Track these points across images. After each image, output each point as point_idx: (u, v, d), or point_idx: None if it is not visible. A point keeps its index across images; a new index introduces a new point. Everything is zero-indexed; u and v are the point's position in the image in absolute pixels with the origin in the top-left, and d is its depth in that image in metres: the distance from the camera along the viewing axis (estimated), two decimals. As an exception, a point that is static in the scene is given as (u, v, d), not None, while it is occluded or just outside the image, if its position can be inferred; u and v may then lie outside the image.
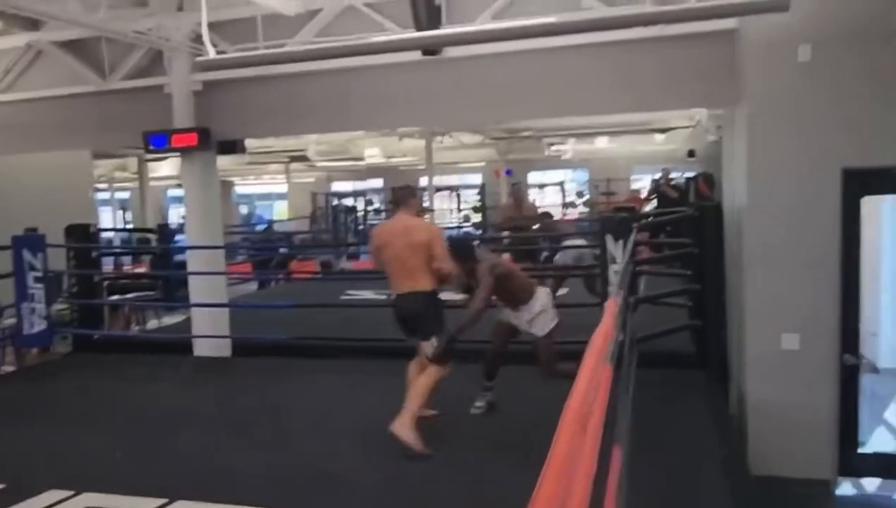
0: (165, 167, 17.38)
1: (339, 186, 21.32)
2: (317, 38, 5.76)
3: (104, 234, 11.67)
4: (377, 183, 20.96)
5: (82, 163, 10.66)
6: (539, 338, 4.06)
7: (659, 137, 14.29)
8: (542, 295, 4.18)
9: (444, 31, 5.06)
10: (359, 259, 14.03)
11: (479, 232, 15.93)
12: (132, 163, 16.42)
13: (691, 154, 14.56)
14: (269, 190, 24.67)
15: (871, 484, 4.52)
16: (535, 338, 4.08)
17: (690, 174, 14.15)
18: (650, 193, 12.88)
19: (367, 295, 8.62)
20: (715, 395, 4.82)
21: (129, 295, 8.85)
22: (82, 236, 7.11)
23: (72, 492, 3.48)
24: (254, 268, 11.47)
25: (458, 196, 19.71)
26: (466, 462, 3.73)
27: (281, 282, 11.67)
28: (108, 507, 3.32)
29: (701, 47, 5.01)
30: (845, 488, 4.46)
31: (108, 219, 19.02)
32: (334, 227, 16.59)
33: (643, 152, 16.69)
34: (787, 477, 4.27)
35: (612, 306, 2.32)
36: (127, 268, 11.54)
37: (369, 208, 19.19)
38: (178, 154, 6.71)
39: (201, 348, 6.46)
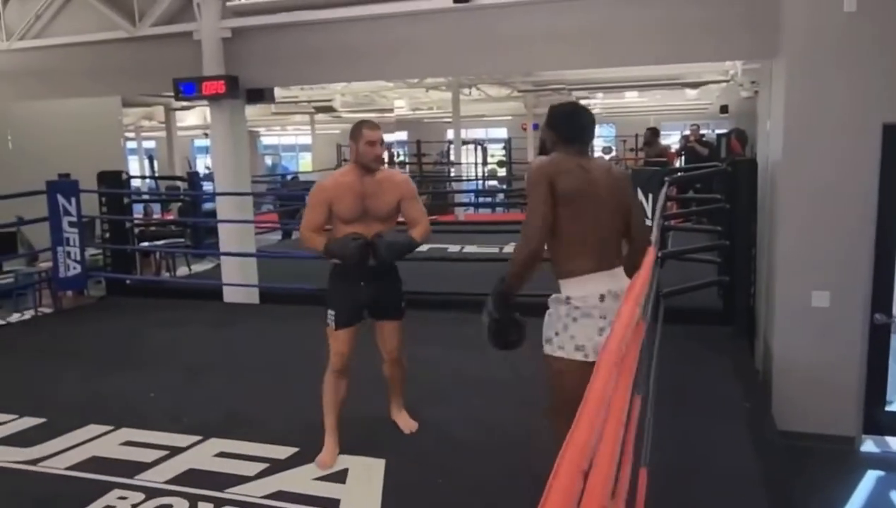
0: (192, 117, 17.45)
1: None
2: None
3: (134, 182, 11.82)
4: (402, 135, 20.84)
5: (112, 111, 10.74)
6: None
7: (690, 92, 13.97)
8: None
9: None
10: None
11: (504, 186, 15.85)
12: (159, 112, 16.50)
13: (724, 110, 14.26)
14: (293, 141, 24.69)
15: (895, 443, 4.52)
16: None
17: (722, 130, 13.88)
18: (679, 150, 12.69)
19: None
20: (741, 351, 4.82)
21: (159, 242, 9.00)
22: (114, 183, 7.22)
23: (111, 427, 3.62)
24: (280, 219, 11.56)
25: (485, 150, 19.55)
26: (489, 409, 3.79)
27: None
28: (147, 441, 3.45)
29: (742, -4, 4.86)
30: (869, 445, 4.47)
31: (135, 167, 19.23)
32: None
33: (673, 107, 16.37)
34: (811, 433, 4.29)
35: (651, 253, 2.30)
36: (157, 217, 11.68)
37: (395, 161, 19.13)
38: (206, 102, 6.72)
39: (230, 294, 6.58)
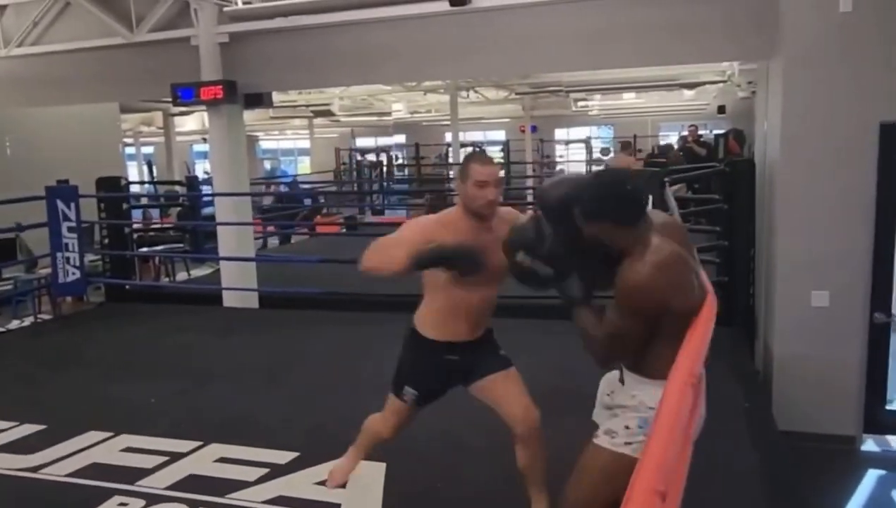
0: (190, 122, 17.46)
1: (362, 142, 21.26)
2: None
3: (133, 188, 11.83)
4: (400, 138, 20.86)
5: (110, 117, 10.75)
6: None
7: (688, 93, 14.00)
8: None
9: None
10: (383, 214, 14.07)
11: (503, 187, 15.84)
12: (158, 117, 16.51)
13: (721, 110, 14.28)
14: (292, 145, 24.71)
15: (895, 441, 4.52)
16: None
17: (720, 131, 13.90)
18: (678, 151, 12.72)
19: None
20: (741, 351, 4.82)
21: (158, 248, 9.00)
22: (113, 188, 7.22)
23: (111, 433, 3.62)
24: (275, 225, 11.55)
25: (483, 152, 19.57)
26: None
27: (305, 237, 11.77)
28: (147, 447, 3.45)
29: (738, -3, 4.87)
30: (870, 444, 4.47)
31: (134, 173, 19.23)
32: (358, 183, 16.60)
33: (671, 108, 16.39)
34: (811, 433, 4.28)
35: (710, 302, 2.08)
36: (156, 222, 11.69)
37: (393, 164, 19.14)
38: (204, 107, 6.73)
39: (230, 299, 6.58)
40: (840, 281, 4.37)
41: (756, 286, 5.23)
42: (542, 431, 2.51)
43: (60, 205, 6.44)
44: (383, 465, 3.14)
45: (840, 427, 4.39)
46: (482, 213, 2.39)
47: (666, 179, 5.00)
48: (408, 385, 2.59)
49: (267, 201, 13.17)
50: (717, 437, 3.44)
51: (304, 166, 23.22)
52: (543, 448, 2.53)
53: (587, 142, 18.97)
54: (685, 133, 12.66)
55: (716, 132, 14.16)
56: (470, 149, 18.60)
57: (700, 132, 12.74)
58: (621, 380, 2.08)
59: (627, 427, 2.01)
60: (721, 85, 12.42)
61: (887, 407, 4.47)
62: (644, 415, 1.96)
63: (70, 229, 6.48)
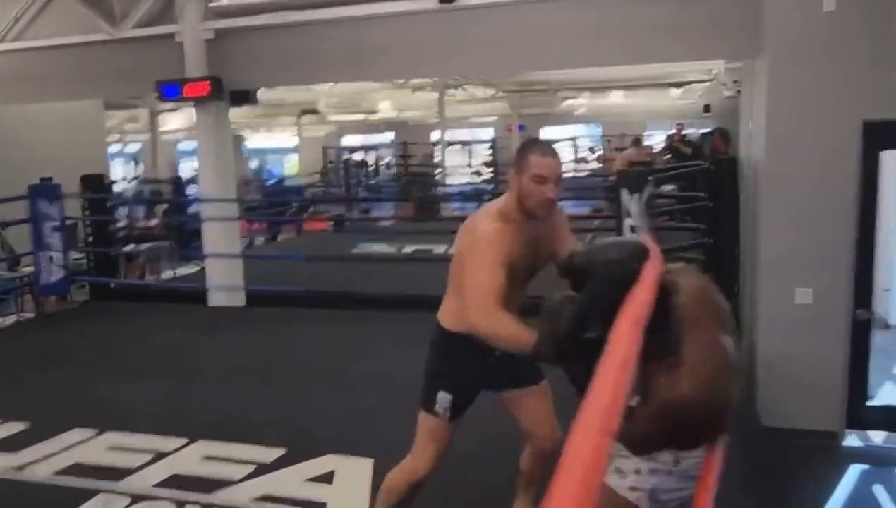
0: (176, 120, 17.32)
1: (349, 140, 21.20)
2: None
3: (117, 187, 11.73)
4: (389, 137, 20.83)
5: (95, 115, 10.63)
6: None
7: (674, 92, 14.09)
8: None
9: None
10: (368, 213, 14.05)
11: (491, 187, 15.89)
12: (143, 115, 16.36)
13: (707, 109, 14.37)
14: (279, 144, 24.59)
15: (877, 437, 4.57)
16: None
17: (706, 130, 14.00)
18: (664, 149, 12.81)
19: (381, 247, 8.68)
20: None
21: (143, 246, 8.93)
22: (97, 186, 7.16)
23: (96, 431, 3.59)
24: (267, 225, 11.49)
25: (470, 151, 19.59)
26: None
27: (292, 235, 11.73)
28: (133, 445, 3.43)
29: (723, -4, 4.91)
30: (852, 440, 4.51)
31: (119, 171, 19.06)
32: (346, 182, 16.56)
33: (658, 107, 16.47)
34: (795, 429, 4.32)
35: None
36: (143, 223, 11.61)
37: (381, 162, 19.12)
38: (190, 104, 6.69)
39: (216, 298, 6.54)
40: (823, 278, 4.40)
41: (741, 283, 5.27)
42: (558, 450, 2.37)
43: (43, 204, 6.38)
44: (370, 461, 3.14)
45: (823, 422, 4.43)
46: (536, 214, 2.10)
47: (650, 178, 5.02)
48: (442, 390, 2.27)
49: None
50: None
51: (291, 165, 23.11)
52: (550, 468, 2.38)
53: (573, 140, 19.05)
54: (672, 132, 12.74)
55: (702, 131, 14.26)
56: (458, 147, 18.64)
57: (686, 131, 12.82)
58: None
59: (637, 472, 1.85)
60: (707, 84, 12.51)
61: (869, 403, 4.52)
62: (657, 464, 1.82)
63: (53, 228, 6.42)
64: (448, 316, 2.29)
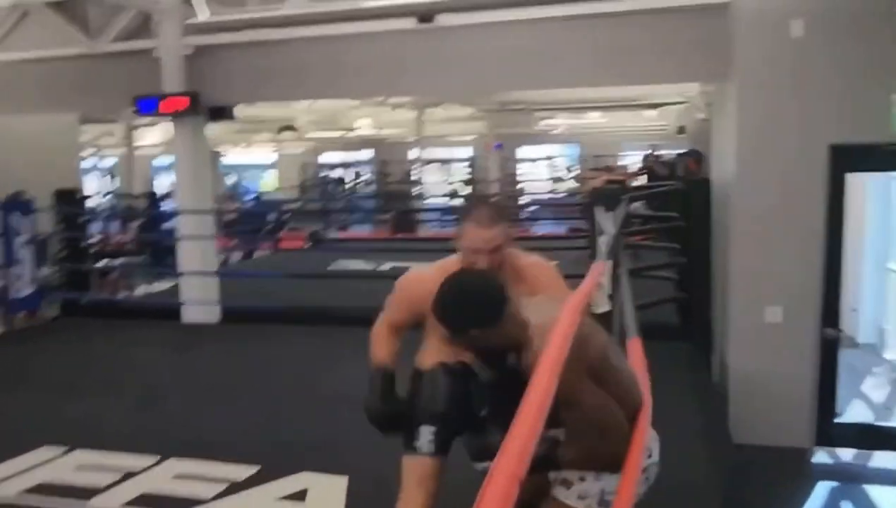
0: (152, 135, 17.19)
1: (328, 157, 21.20)
2: (310, 1, 5.73)
3: (91, 201, 11.59)
4: (367, 154, 20.87)
5: (69, 128, 10.51)
6: None
7: (650, 113, 14.30)
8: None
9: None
10: (346, 229, 14.02)
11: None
12: (119, 129, 16.23)
13: (681, 131, 14.60)
14: (256, 160, 24.48)
15: (846, 454, 4.65)
16: None
17: (680, 151, 14.22)
18: (640, 170, 13.00)
19: (358, 265, 8.66)
20: (698, 366, 4.92)
21: (115, 261, 8.83)
22: (70, 201, 7.07)
23: (64, 449, 3.53)
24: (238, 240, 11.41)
25: (449, 169, 19.70)
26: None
27: (268, 253, 11.66)
28: (102, 464, 3.37)
29: (693, 21, 5.02)
30: (821, 456, 4.59)
31: (93, 185, 18.84)
32: (323, 198, 16.53)
33: (634, 128, 16.71)
34: (766, 446, 4.38)
35: (598, 268, 2.31)
36: (117, 238, 11.48)
37: (358, 180, 19.15)
38: (167, 119, 6.66)
39: (190, 314, 6.48)
40: (792, 297, 4.50)
41: (713, 301, 5.35)
42: None
43: (14, 218, 6.29)
44: (345, 478, 3.12)
45: (792, 439, 4.50)
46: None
47: (622, 198, 5.10)
48: (423, 423, 2.11)
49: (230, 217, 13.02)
50: (673, 450, 3.50)
51: (266, 182, 22.98)
52: None
53: (549, 159, 19.24)
54: (649, 151, 12.96)
55: (676, 152, 14.49)
56: (436, 165, 18.70)
57: (659, 152, 13.04)
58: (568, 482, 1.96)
59: (583, 480, 1.94)
60: (681, 106, 12.73)
61: (837, 420, 4.61)
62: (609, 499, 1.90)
63: (24, 243, 6.33)
64: (421, 358, 2.31)
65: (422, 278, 2.18)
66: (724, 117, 5.25)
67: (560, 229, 11.62)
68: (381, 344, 2.28)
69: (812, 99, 4.39)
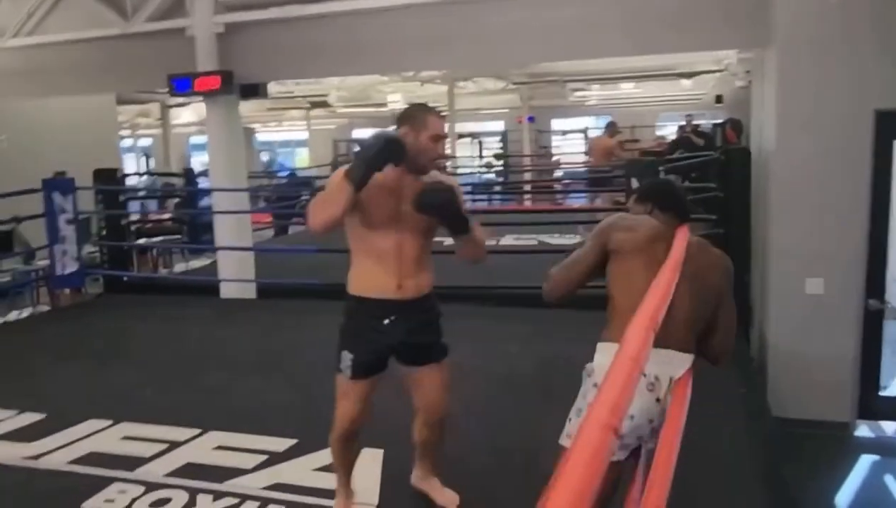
0: (187, 114, 17.40)
1: (359, 133, 21.21)
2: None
3: (129, 180, 11.80)
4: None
5: (107, 109, 10.72)
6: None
7: (685, 83, 13.97)
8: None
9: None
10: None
11: (501, 179, 15.86)
12: (154, 109, 16.46)
13: (719, 100, 14.25)
14: (289, 137, 24.64)
15: (889, 427, 4.56)
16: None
17: (718, 121, 13.90)
18: (675, 140, 12.71)
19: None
20: (736, 339, 4.83)
21: (155, 239, 9.00)
22: (110, 180, 7.21)
23: (110, 421, 3.64)
24: (273, 219, 11.53)
25: (480, 143, 19.54)
26: (485, 399, 3.82)
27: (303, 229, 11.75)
28: (146, 435, 3.47)
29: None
30: (863, 430, 4.51)
31: (131, 165, 19.19)
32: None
33: (669, 98, 16.35)
34: (806, 419, 4.32)
35: (684, 232, 2.22)
36: (155, 217, 11.70)
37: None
38: (200, 98, 6.73)
39: (227, 290, 6.59)
40: (834, 268, 4.39)
41: (752, 273, 5.25)
42: (446, 419, 2.59)
43: (58, 197, 6.44)
44: (381, 451, 3.16)
45: (834, 413, 4.43)
46: (427, 168, 2.37)
47: (660, 168, 5.01)
48: (345, 349, 2.46)
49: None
50: (711, 423, 3.47)
51: (301, 158, 23.16)
52: (442, 434, 2.64)
53: (584, 131, 18.91)
54: (683, 123, 12.63)
55: (714, 122, 14.16)
56: (468, 140, 18.58)
57: (697, 122, 12.72)
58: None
59: (569, 420, 2.07)
60: (718, 74, 12.40)
61: (880, 394, 4.51)
62: (582, 396, 2.04)
63: (67, 221, 6.49)
64: (348, 278, 2.50)
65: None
66: (764, 84, 5.10)
67: (596, 201, 11.45)
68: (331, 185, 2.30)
69: (856, 63, 4.24)
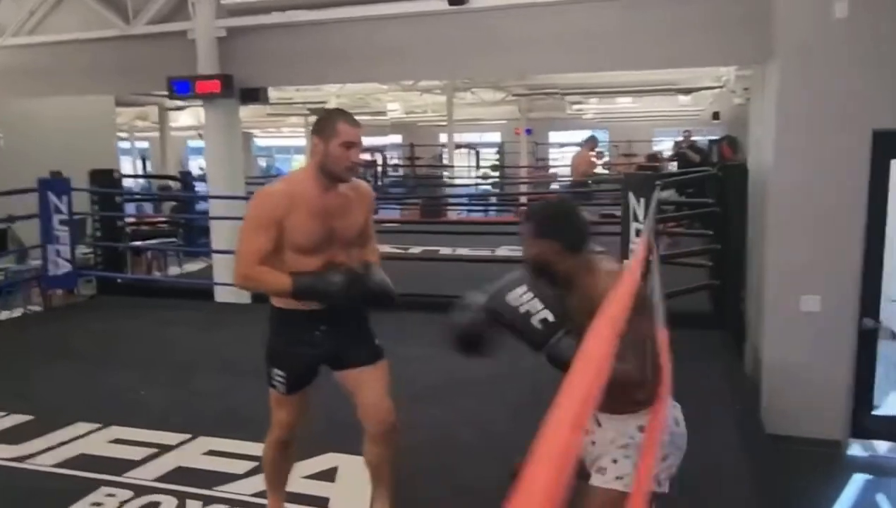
0: (186, 117, 17.40)
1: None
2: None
3: (126, 182, 11.76)
4: (396, 138, 20.86)
5: (106, 110, 10.69)
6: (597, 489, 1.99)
7: (683, 98, 14.04)
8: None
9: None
10: (377, 213, 14.01)
11: (497, 190, 15.88)
12: (153, 112, 16.44)
13: (716, 116, 14.33)
14: (287, 143, 24.66)
15: (882, 447, 4.55)
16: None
17: (714, 137, 13.97)
18: (671, 156, 12.78)
19: (385, 248, 8.66)
20: (731, 355, 4.85)
21: (150, 241, 8.97)
22: (106, 181, 7.19)
23: (99, 425, 3.61)
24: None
25: (477, 153, 19.60)
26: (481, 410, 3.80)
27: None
28: (136, 439, 3.44)
29: (733, 1, 4.90)
30: (856, 449, 4.50)
31: (128, 167, 19.16)
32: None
33: (666, 113, 16.44)
34: (799, 437, 4.31)
35: (643, 243, 2.24)
36: (149, 217, 11.65)
37: (388, 163, 19.16)
38: (200, 101, 6.72)
39: (222, 294, 6.56)
40: (830, 286, 4.39)
41: (747, 289, 5.26)
42: (397, 435, 2.47)
43: (52, 197, 6.41)
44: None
45: (827, 431, 4.42)
46: (342, 178, 2.29)
47: (657, 183, 5.02)
48: (275, 367, 2.41)
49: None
50: (705, 439, 3.46)
51: (299, 164, 23.15)
52: (394, 451, 2.50)
53: (580, 145, 18.95)
54: (680, 138, 12.69)
55: (710, 138, 14.23)
56: (465, 150, 18.63)
57: (694, 138, 12.80)
58: (597, 423, 2.04)
59: (615, 462, 2.00)
60: (717, 91, 12.47)
61: (873, 413, 4.51)
62: (626, 441, 1.99)
63: (62, 222, 6.46)
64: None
65: (272, 190, 2.35)
66: (762, 101, 5.12)
67: (592, 215, 11.46)
68: (268, 273, 2.27)
69: (856, 82, 4.25)
